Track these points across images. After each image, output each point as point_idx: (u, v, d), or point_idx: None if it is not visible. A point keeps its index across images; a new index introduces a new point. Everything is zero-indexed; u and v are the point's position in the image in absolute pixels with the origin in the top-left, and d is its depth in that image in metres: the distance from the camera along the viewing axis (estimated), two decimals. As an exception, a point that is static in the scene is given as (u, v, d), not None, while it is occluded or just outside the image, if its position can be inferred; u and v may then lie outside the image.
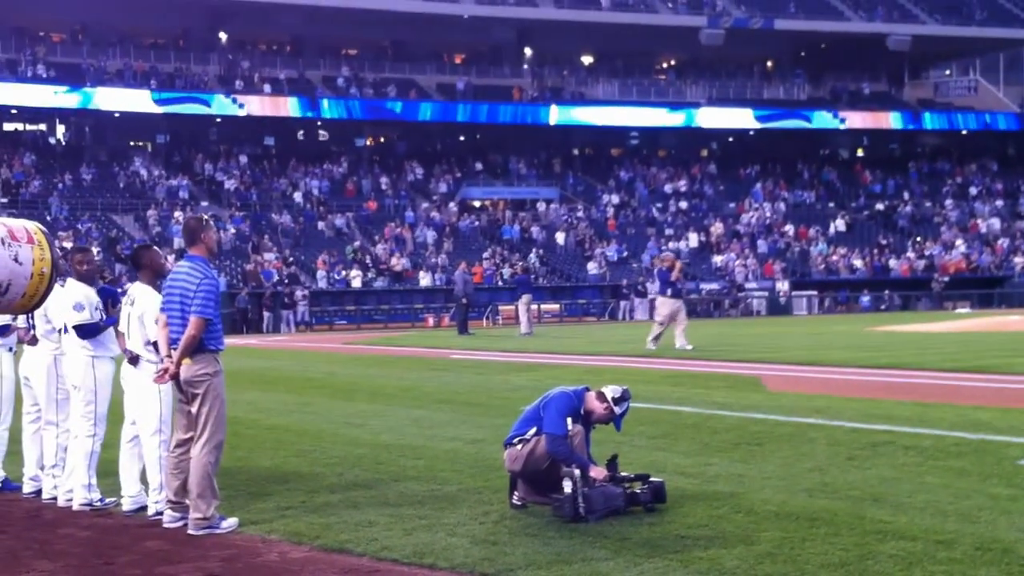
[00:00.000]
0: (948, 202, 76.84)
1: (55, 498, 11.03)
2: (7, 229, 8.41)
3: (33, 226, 8.72)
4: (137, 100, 64.42)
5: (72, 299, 10.71)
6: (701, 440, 13.56)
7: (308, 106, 68.44)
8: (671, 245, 67.56)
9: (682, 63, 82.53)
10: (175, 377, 9.67)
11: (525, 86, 75.97)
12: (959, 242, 70.91)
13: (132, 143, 69.90)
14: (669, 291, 30.28)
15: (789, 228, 71.17)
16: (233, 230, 59.95)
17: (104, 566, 8.59)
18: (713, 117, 76.36)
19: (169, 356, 9.74)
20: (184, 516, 9.68)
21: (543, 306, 57.00)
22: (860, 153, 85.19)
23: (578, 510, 9.30)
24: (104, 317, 10.83)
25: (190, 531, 9.51)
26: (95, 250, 12.95)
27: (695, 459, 12.20)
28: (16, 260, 8.32)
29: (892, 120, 79.71)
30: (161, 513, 9.98)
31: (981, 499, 9.76)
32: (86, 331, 10.71)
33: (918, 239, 71.70)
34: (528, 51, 78.07)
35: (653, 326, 30.57)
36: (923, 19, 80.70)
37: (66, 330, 10.85)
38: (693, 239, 68.63)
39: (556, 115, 73.09)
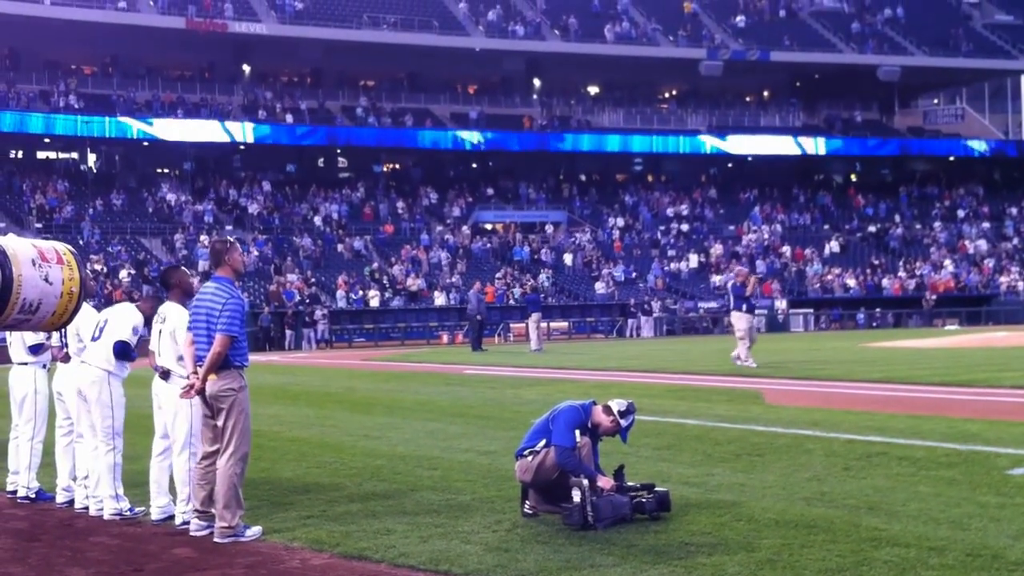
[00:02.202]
0: (937, 225, 76.78)
1: (87, 508, 11.05)
2: (37, 250, 8.41)
3: (62, 247, 8.71)
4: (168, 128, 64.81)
5: (135, 321, 10.84)
6: (704, 451, 13.53)
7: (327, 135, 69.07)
8: (672, 266, 67.73)
9: (683, 93, 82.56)
10: (201, 392, 9.68)
11: (535, 115, 76.08)
12: (948, 262, 70.86)
13: (160, 170, 70.05)
14: (744, 306, 28.78)
15: (786, 249, 71.16)
16: (256, 253, 59.99)
17: (134, 573, 8.59)
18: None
19: (195, 372, 9.76)
20: (210, 525, 9.68)
21: (552, 324, 56.90)
22: (853, 178, 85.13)
23: (587, 518, 9.29)
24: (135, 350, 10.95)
25: (216, 539, 9.50)
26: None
27: (698, 469, 12.17)
28: (46, 280, 8.31)
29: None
30: (188, 522, 9.98)
31: (971, 507, 9.73)
32: (123, 350, 10.75)
33: (909, 260, 71.63)
34: (537, 82, 78.22)
35: (738, 344, 28.84)
36: (912, 51, 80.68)
37: (96, 338, 10.87)
38: (694, 260, 68.65)
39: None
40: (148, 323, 11.10)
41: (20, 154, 67.88)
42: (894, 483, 11.04)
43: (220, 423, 9.69)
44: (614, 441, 10.54)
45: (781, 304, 64.20)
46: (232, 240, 10.38)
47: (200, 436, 10.10)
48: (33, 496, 11.77)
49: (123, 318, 10.92)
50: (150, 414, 10.76)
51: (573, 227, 71.85)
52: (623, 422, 10.14)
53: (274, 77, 74.00)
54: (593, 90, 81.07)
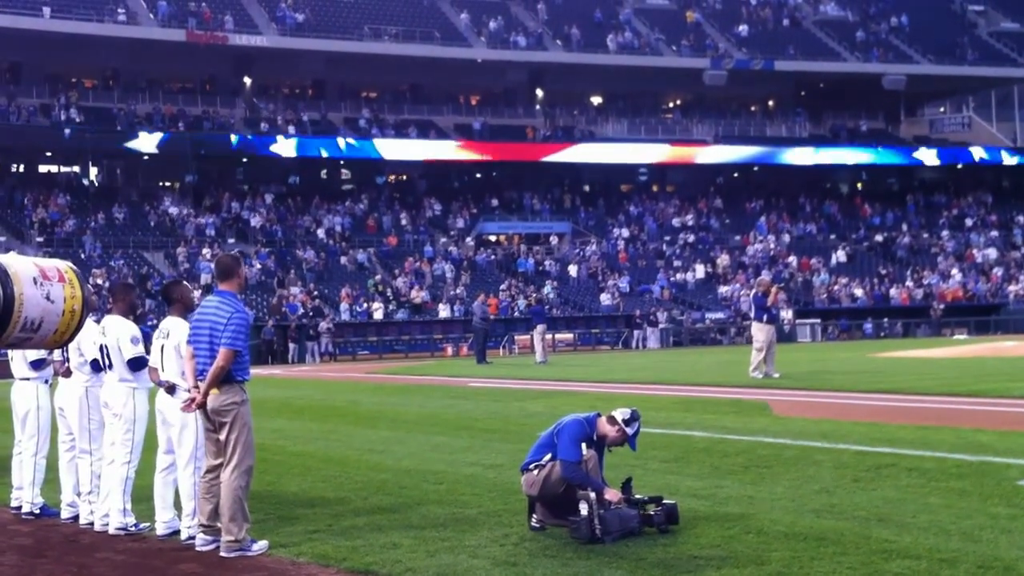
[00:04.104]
0: (944, 233, 76.75)
1: (92, 523, 11.06)
2: (39, 269, 8.44)
3: (64, 265, 8.75)
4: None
5: (129, 332, 10.79)
6: (712, 463, 13.52)
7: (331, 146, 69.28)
8: (679, 276, 67.73)
9: (687, 103, 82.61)
10: (202, 406, 9.69)
11: (538, 125, 76.12)
12: (955, 271, 70.79)
13: (162, 183, 70.13)
14: (765, 317, 28.41)
15: (792, 259, 71.09)
16: (259, 265, 60.03)
17: (140, 589, 8.60)
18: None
19: (196, 387, 9.78)
20: (216, 539, 9.70)
21: (557, 336, 56.91)
22: (860, 187, 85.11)
23: (594, 532, 9.28)
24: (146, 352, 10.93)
25: (222, 553, 9.53)
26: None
27: (706, 482, 12.17)
28: (48, 298, 8.34)
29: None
30: (194, 537, 9.99)
31: (982, 519, 9.72)
32: (139, 363, 10.77)
33: (916, 269, 71.60)
34: (540, 92, 78.22)
35: (752, 354, 28.54)
36: (917, 59, 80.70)
37: (108, 364, 10.86)
38: (700, 270, 68.65)
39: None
40: (132, 312, 11.11)
41: (21, 168, 68.01)
42: (904, 495, 11.03)
43: (223, 437, 9.73)
44: (622, 453, 10.55)
45: (787, 314, 64.16)
46: (239, 254, 10.42)
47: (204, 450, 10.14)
48: (37, 512, 11.79)
49: (119, 336, 10.84)
50: (154, 429, 10.78)
51: (578, 238, 71.88)
52: (629, 430, 10.16)
53: (276, 89, 74.12)
54: (596, 100, 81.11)
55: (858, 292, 67.91)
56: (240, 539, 9.51)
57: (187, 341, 10.04)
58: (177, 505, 10.53)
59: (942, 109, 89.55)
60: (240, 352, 9.74)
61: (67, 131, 62.40)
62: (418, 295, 60.46)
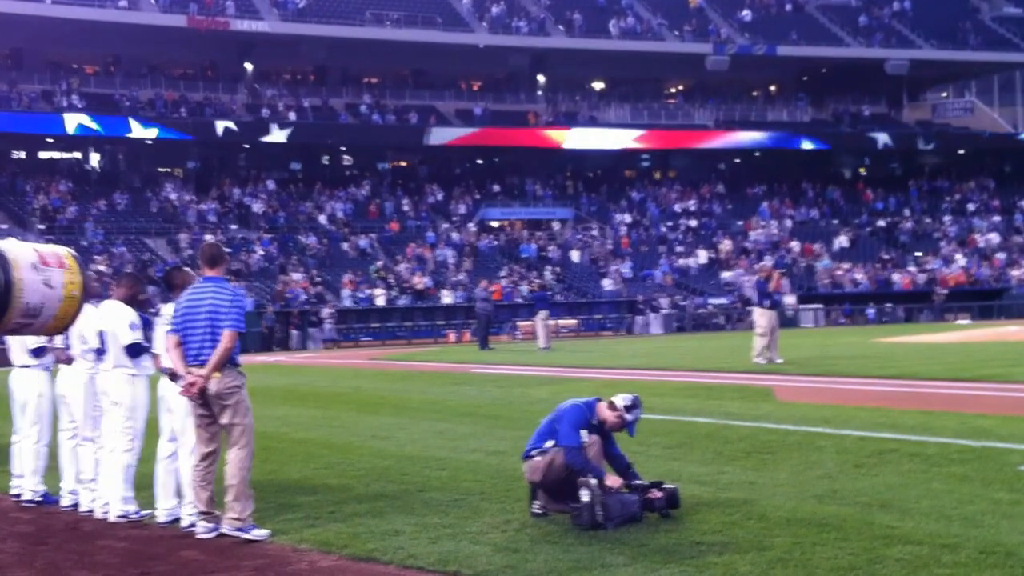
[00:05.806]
0: (947, 218, 76.72)
1: (93, 511, 11.05)
2: (38, 255, 8.42)
3: (63, 251, 8.73)
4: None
5: (127, 318, 10.78)
6: (715, 449, 13.52)
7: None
8: (681, 262, 67.69)
9: (689, 88, 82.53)
10: (203, 390, 9.68)
11: (540, 111, 76.04)
12: (958, 256, 70.76)
13: (164, 169, 70.11)
14: (767, 302, 28.37)
15: (795, 244, 71.07)
16: (261, 252, 60.03)
17: (141, 575, 8.59)
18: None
19: (189, 372, 9.76)
20: (216, 526, 9.74)
21: (560, 321, 56.79)
22: (862, 172, 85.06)
23: (596, 518, 9.28)
24: (146, 340, 10.90)
25: (223, 528, 9.65)
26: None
27: (709, 468, 12.17)
28: (47, 284, 8.32)
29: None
30: (195, 524, 9.99)
31: (984, 504, 9.72)
32: (137, 350, 10.75)
33: (919, 254, 71.57)
34: (542, 78, 78.08)
35: (755, 340, 28.50)
36: (920, 44, 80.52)
37: (105, 349, 10.85)
38: (703, 256, 68.61)
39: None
40: (132, 302, 11.09)
41: (23, 154, 67.98)
42: (906, 480, 11.03)
43: (226, 420, 9.77)
44: (624, 439, 10.53)
45: (790, 300, 64.11)
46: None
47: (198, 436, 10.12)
48: (39, 499, 11.78)
49: (117, 322, 10.83)
50: (156, 416, 10.77)
51: (580, 224, 71.85)
52: (628, 416, 10.16)
53: (277, 75, 74.02)
54: (598, 86, 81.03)
55: (861, 277, 67.89)
56: (243, 518, 9.58)
57: (171, 330, 10.03)
58: (179, 492, 10.53)
59: (945, 94, 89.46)
60: (243, 334, 9.87)
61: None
62: (420, 281, 60.42)
